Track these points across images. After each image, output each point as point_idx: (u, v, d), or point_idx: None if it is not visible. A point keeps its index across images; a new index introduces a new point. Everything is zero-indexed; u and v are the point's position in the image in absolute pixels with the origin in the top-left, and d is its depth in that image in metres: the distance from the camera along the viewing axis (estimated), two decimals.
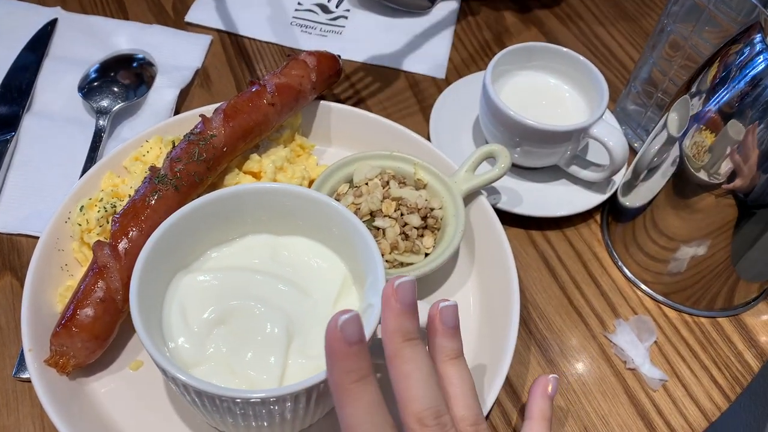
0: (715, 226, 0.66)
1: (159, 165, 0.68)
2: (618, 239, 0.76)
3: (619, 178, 0.78)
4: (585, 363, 0.67)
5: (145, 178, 0.63)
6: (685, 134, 0.64)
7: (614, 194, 0.77)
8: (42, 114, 0.79)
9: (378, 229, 0.66)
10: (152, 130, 0.71)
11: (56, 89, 0.82)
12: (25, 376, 0.61)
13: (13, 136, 0.76)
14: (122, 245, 0.59)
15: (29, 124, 0.78)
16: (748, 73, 0.59)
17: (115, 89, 0.81)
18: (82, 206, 0.64)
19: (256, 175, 0.69)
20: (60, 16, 0.89)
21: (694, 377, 0.67)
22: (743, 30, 0.62)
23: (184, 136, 0.65)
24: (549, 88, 0.79)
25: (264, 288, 0.56)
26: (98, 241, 0.60)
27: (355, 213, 0.65)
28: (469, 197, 0.71)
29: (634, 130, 0.84)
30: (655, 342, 0.69)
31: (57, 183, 0.73)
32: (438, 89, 0.88)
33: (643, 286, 0.73)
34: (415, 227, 0.67)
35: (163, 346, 0.53)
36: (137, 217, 0.60)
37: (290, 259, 0.59)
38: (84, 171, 0.73)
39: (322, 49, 0.77)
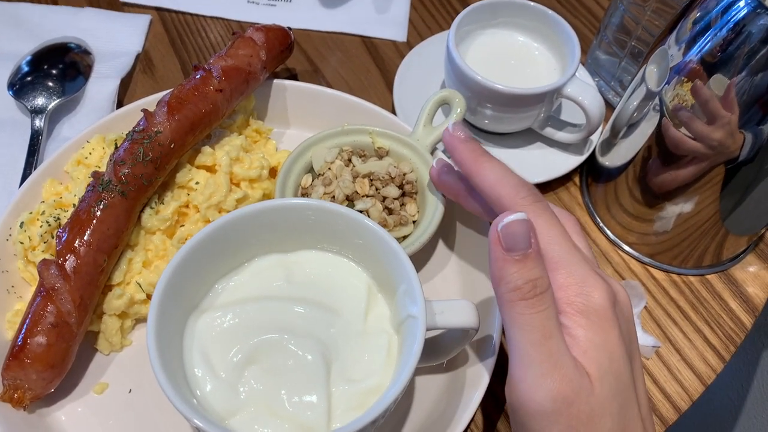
0: (702, 182, 0.63)
1: (104, 168, 0.63)
2: (599, 201, 0.72)
3: (596, 137, 0.74)
4: None
5: (88, 185, 0.58)
6: (665, 87, 0.60)
7: (592, 154, 0.74)
8: None
9: (361, 212, 0.62)
10: (93, 129, 0.65)
11: None
12: None
13: None
14: (69, 263, 0.54)
15: None
16: (731, 18, 0.55)
17: (50, 84, 0.74)
18: (22, 222, 0.59)
19: (210, 169, 0.64)
20: None
21: (687, 340, 0.65)
22: None
23: (127, 134, 0.60)
24: (517, 46, 0.74)
25: (288, 316, 0.51)
26: (43, 260, 0.54)
27: (332, 202, 0.60)
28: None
29: (608, 82, 0.80)
30: (645, 307, 0.66)
31: None
32: (400, 54, 0.83)
33: (628, 248, 0.70)
34: (395, 198, 0.63)
35: (192, 398, 0.48)
36: (83, 230, 0.55)
37: (307, 277, 0.54)
38: (24, 178, 0.67)
39: (270, 23, 0.71)
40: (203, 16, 0.84)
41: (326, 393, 0.49)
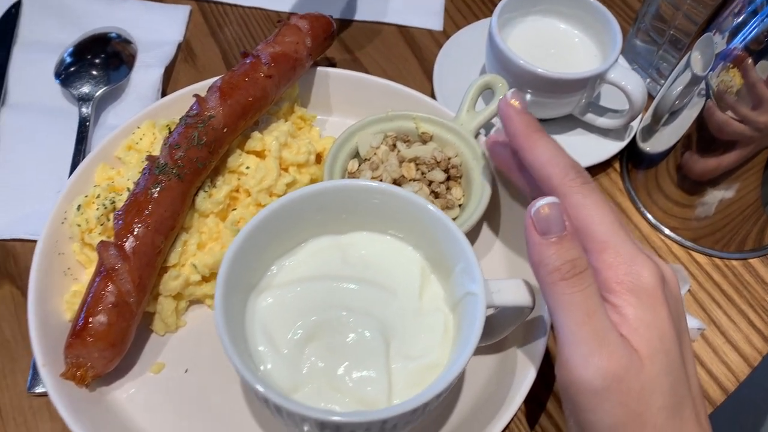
0: (745, 167, 0.63)
1: (155, 153, 0.63)
2: (640, 186, 0.73)
3: (636, 123, 0.74)
4: None
5: (144, 168, 0.58)
6: (710, 73, 0.61)
7: (632, 140, 0.74)
8: (19, 107, 0.74)
9: None
10: (142, 115, 0.66)
11: (31, 78, 0.76)
12: (40, 390, 0.57)
13: None
14: (129, 244, 0.55)
15: (7, 120, 0.73)
16: None
17: (95, 73, 0.75)
18: (79, 205, 0.59)
19: (260, 154, 0.65)
20: None
21: (731, 323, 0.65)
22: None
23: (180, 119, 0.61)
24: (558, 33, 0.75)
25: (346, 294, 0.52)
26: (102, 241, 0.55)
27: None
28: None
29: (645, 70, 0.81)
30: (689, 290, 0.67)
31: (46, 181, 0.68)
32: (436, 43, 0.83)
33: (670, 233, 0.71)
34: (441, 182, 0.64)
35: (258, 374, 0.48)
36: (141, 212, 0.56)
37: (362, 258, 0.55)
38: (74, 165, 0.68)
39: (312, 12, 0.71)
40: (241, 6, 0.85)
41: (386, 369, 0.50)
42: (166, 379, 0.57)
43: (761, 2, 0.58)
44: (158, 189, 0.57)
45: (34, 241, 0.64)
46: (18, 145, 0.71)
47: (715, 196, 0.67)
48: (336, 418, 0.44)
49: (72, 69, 0.75)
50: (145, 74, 0.76)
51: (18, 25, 0.80)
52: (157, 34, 0.81)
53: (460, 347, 0.48)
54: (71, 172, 0.67)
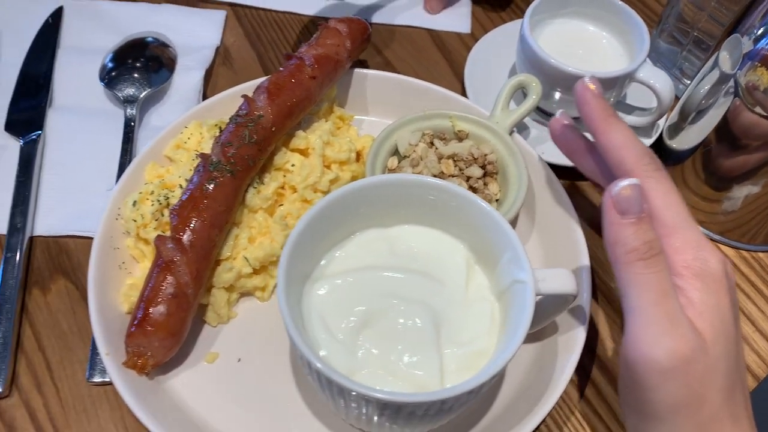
0: (766, 167, 0.66)
1: (203, 151, 0.66)
2: None
3: (662, 122, 0.77)
4: None
5: (197, 165, 0.61)
6: (738, 72, 0.63)
7: (659, 137, 0.76)
8: (65, 109, 0.76)
9: None
10: (189, 115, 0.69)
11: (75, 81, 0.79)
12: (98, 379, 0.59)
13: (40, 135, 0.73)
14: (186, 237, 0.57)
15: (54, 121, 0.75)
16: None
17: (136, 75, 0.77)
18: (135, 201, 0.62)
19: (304, 152, 0.67)
20: (64, 3, 0.85)
21: (760, 313, 0.67)
22: None
23: (231, 118, 0.63)
24: (586, 34, 0.77)
25: (396, 284, 0.55)
26: (159, 235, 0.58)
27: None
28: None
29: (668, 70, 0.83)
30: None
31: (94, 179, 0.71)
32: (465, 46, 0.86)
33: (699, 227, 0.73)
34: (478, 178, 0.66)
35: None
36: (197, 207, 0.58)
37: (409, 249, 0.58)
38: (121, 164, 0.70)
39: (350, 17, 0.74)
40: (275, 11, 0.88)
41: (438, 354, 0.52)
42: (220, 368, 0.60)
43: None
44: (212, 185, 0.59)
45: (86, 238, 0.67)
46: (65, 146, 0.73)
47: (742, 191, 0.69)
48: (398, 399, 0.46)
49: (114, 73, 0.77)
50: (187, 77, 0.78)
51: (60, 30, 0.83)
52: (195, 38, 0.83)
53: (510, 332, 0.51)
54: (119, 171, 0.70)
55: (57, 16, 0.84)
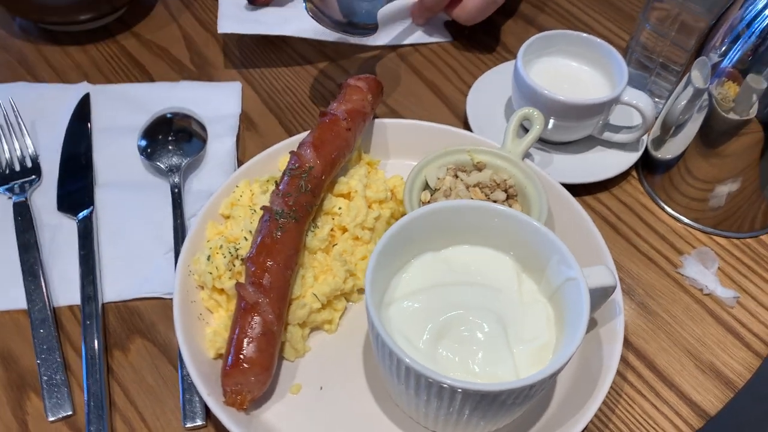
0: (744, 164, 0.77)
1: (255, 205, 0.73)
2: (658, 188, 0.86)
3: (646, 137, 0.88)
4: (668, 297, 0.76)
5: (262, 216, 0.67)
6: (711, 86, 0.74)
7: (645, 150, 0.87)
8: (110, 185, 0.82)
9: None
10: (238, 175, 0.76)
11: (114, 159, 0.84)
12: (191, 424, 0.64)
13: (92, 210, 0.78)
14: (265, 281, 0.63)
15: (102, 197, 0.80)
16: (755, 30, 0.70)
17: (171, 148, 0.84)
18: (209, 256, 0.68)
19: (347, 196, 0.75)
20: (90, 89, 0.91)
21: (759, 290, 0.77)
22: None
23: (284, 172, 0.70)
24: (570, 69, 0.88)
25: (461, 295, 0.62)
26: (238, 282, 0.64)
27: None
28: None
29: None
30: (719, 267, 0.79)
31: (150, 245, 0.76)
32: (457, 89, 0.96)
33: (692, 222, 0.83)
34: (503, 201, 0.74)
35: None
36: (270, 252, 0.65)
37: (464, 266, 0.65)
38: (175, 227, 0.76)
39: (363, 75, 0.83)
40: (285, 77, 0.96)
41: (510, 352, 0.59)
42: (305, 397, 0.65)
43: (741, 29, 0.72)
44: (280, 232, 0.66)
45: (153, 299, 0.73)
46: (118, 218, 0.79)
47: (724, 189, 0.80)
48: (496, 388, 0.53)
49: (150, 148, 0.84)
50: (220, 144, 0.85)
51: (91, 114, 0.89)
52: (218, 109, 0.90)
53: (572, 322, 0.58)
54: (174, 234, 0.76)
55: (85, 101, 0.90)
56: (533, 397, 0.57)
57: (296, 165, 0.70)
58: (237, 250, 0.68)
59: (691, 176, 0.82)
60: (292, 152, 0.72)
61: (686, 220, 0.83)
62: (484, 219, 0.65)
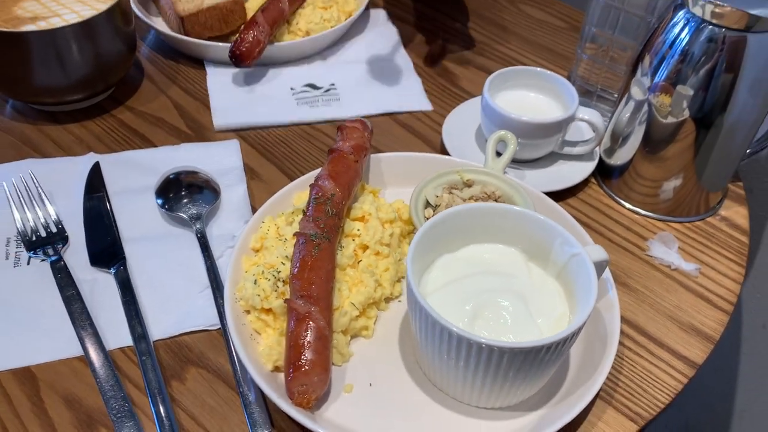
0: (683, 162, 0.92)
1: (281, 236, 0.81)
2: (616, 189, 1.00)
3: (598, 148, 1.02)
4: (644, 276, 0.89)
5: (297, 241, 0.76)
6: (649, 96, 0.90)
7: (600, 159, 1.02)
8: (136, 239, 0.88)
9: None
10: (262, 212, 0.85)
11: (134, 216, 0.91)
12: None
13: (125, 261, 0.84)
14: (312, 293, 0.71)
15: (131, 250, 0.87)
16: (677, 50, 0.86)
17: (186, 200, 0.92)
18: (255, 280, 0.75)
19: (362, 220, 0.84)
20: (98, 159, 0.98)
21: (715, 261, 0.91)
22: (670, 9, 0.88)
23: (308, 202, 0.80)
24: (528, 100, 1.03)
25: (483, 282, 0.72)
26: (287, 299, 0.72)
27: None
28: None
29: None
30: (679, 247, 0.93)
31: (185, 285, 0.83)
32: (428, 126, 1.09)
33: (649, 213, 0.97)
34: None
35: None
36: (313, 269, 0.73)
37: (480, 261, 0.75)
38: (208, 267, 0.83)
39: (355, 118, 0.94)
40: (275, 131, 1.06)
41: (535, 324, 0.69)
42: (358, 393, 0.73)
43: (665, 50, 0.88)
44: (317, 250, 0.75)
45: (198, 332, 0.79)
46: (150, 267, 0.85)
47: (670, 185, 0.95)
48: (539, 344, 0.62)
49: (168, 203, 0.91)
50: (233, 192, 0.94)
51: (103, 180, 0.96)
52: (221, 163, 0.99)
53: (584, 290, 0.69)
54: (208, 273, 0.83)
55: (96, 168, 0.96)
56: (563, 353, 0.67)
57: (319, 194, 0.80)
58: (278, 273, 0.76)
59: (641, 177, 0.96)
60: (311, 185, 0.81)
61: (644, 212, 0.97)
62: (492, 218, 0.76)
